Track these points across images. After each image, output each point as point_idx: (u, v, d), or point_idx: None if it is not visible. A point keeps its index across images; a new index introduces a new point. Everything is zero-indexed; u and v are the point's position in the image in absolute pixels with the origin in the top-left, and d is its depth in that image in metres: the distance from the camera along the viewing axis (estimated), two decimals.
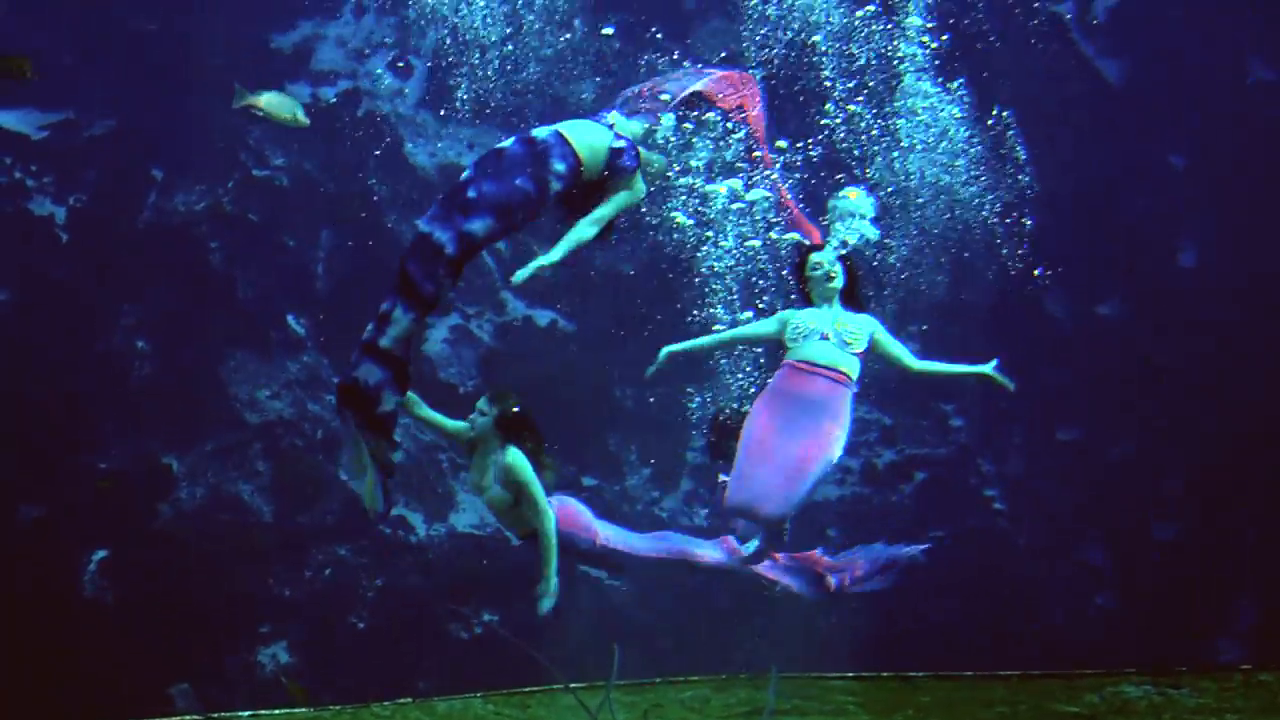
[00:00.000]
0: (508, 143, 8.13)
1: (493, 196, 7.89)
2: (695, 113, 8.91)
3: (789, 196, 9.07)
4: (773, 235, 9.14)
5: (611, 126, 8.39)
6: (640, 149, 8.40)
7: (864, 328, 8.30)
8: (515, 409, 8.20)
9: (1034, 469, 15.40)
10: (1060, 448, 15.37)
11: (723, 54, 12.65)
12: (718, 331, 8.90)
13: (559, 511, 8.28)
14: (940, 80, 9.96)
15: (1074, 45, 15.43)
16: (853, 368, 8.20)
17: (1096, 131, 15.16)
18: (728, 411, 9.20)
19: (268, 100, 11.45)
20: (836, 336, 8.17)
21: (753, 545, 8.85)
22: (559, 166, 8.07)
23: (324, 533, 14.53)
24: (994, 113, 10.97)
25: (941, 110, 9.87)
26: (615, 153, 8.27)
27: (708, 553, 8.91)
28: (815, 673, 7.96)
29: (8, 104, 14.50)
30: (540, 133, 8.19)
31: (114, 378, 14.41)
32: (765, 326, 8.51)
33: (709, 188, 8.88)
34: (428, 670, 14.28)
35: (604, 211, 8.36)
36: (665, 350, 8.58)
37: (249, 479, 14.52)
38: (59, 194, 14.60)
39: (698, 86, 8.79)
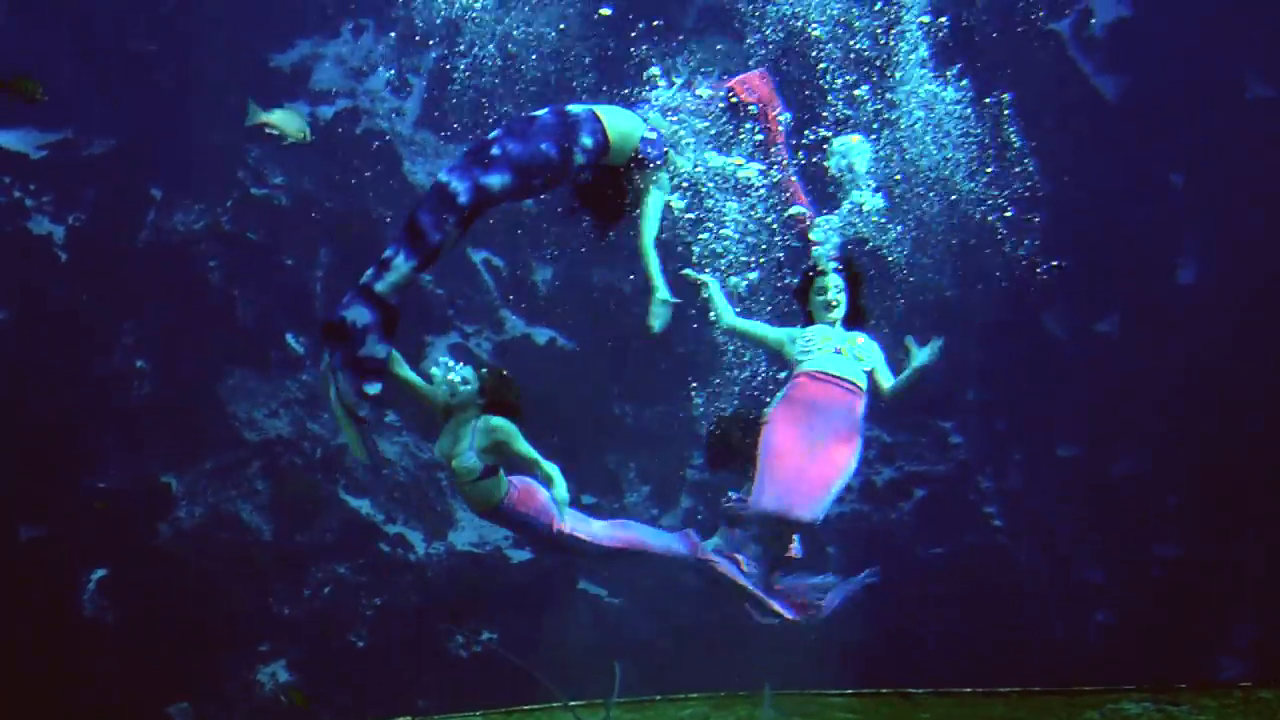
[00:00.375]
0: (541, 111, 8.23)
1: (516, 155, 7.98)
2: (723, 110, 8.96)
3: (793, 176, 9.07)
4: (773, 224, 9.11)
5: (646, 119, 8.48)
6: (669, 148, 8.50)
7: (872, 349, 8.34)
8: (499, 378, 8.20)
9: (1033, 486, 15.41)
10: (1060, 464, 15.37)
11: (719, 46, 12.66)
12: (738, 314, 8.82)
13: (519, 493, 8.29)
14: (936, 60, 9.91)
15: (1072, 61, 15.47)
16: (864, 382, 8.24)
17: (1094, 148, 15.18)
18: (727, 420, 9.14)
19: (279, 117, 11.49)
20: (850, 352, 8.21)
21: (713, 543, 8.86)
22: (586, 141, 8.19)
23: (323, 551, 14.53)
24: (994, 94, 10.91)
25: (940, 93, 9.83)
26: (646, 142, 8.37)
27: (669, 546, 8.89)
28: (814, 689, 7.95)
29: (7, 123, 14.52)
30: (575, 108, 8.32)
31: (113, 397, 14.41)
32: (773, 332, 8.52)
33: (705, 155, 8.86)
34: (427, 688, 14.26)
35: (652, 225, 8.47)
36: (714, 282, 8.56)
37: (248, 498, 14.52)
38: (58, 213, 14.61)
39: (730, 83, 8.90)
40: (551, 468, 7.98)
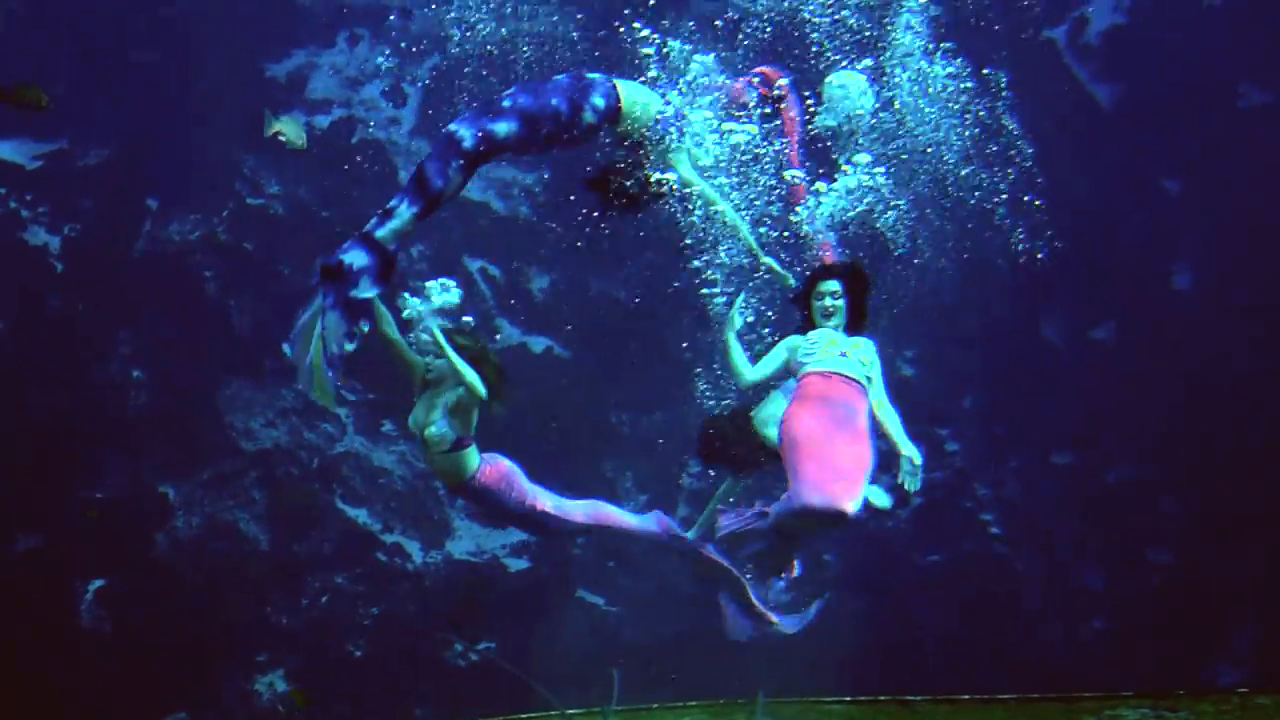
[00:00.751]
0: (559, 76, 8.35)
1: (525, 106, 8.14)
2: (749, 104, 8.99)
3: (797, 150, 9.05)
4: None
5: (665, 96, 8.58)
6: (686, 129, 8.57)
7: (872, 353, 8.29)
8: (476, 351, 8.21)
9: (1030, 493, 15.40)
10: (1056, 471, 15.37)
11: (717, 22, 12.62)
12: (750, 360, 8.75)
13: (491, 469, 8.28)
14: (932, 38, 9.83)
15: (1067, 68, 15.49)
16: (867, 384, 8.18)
17: (1090, 154, 15.20)
18: (720, 417, 9.09)
19: (286, 124, 11.51)
20: (854, 355, 8.16)
21: (692, 533, 8.91)
22: (598, 101, 8.32)
23: (320, 561, 14.52)
24: (989, 68, 10.81)
25: (932, 69, 9.74)
26: (664, 118, 8.46)
27: (641, 524, 8.92)
28: (813, 696, 7.95)
29: (2, 134, 14.51)
30: (593, 74, 8.41)
31: (110, 407, 14.40)
32: (779, 357, 8.43)
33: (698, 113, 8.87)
34: (425, 698, 14.27)
35: (719, 199, 8.53)
36: (734, 335, 8.50)
37: (245, 507, 14.50)
38: (54, 223, 14.60)
39: (748, 79, 8.96)
40: (459, 366, 8.00)
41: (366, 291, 7.87)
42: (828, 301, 8.33)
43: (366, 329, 7.96)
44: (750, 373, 8.38)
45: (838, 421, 7.95)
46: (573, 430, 14.67)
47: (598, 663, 13.49)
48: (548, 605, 14.74)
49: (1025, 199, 12.64)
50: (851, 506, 7.73)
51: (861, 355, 8.18)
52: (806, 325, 8.49)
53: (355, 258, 7.83)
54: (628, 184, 8.60)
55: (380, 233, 7.88)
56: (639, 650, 14.36)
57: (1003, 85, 11.00)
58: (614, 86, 8.38)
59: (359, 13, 15.71)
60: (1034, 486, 15.42)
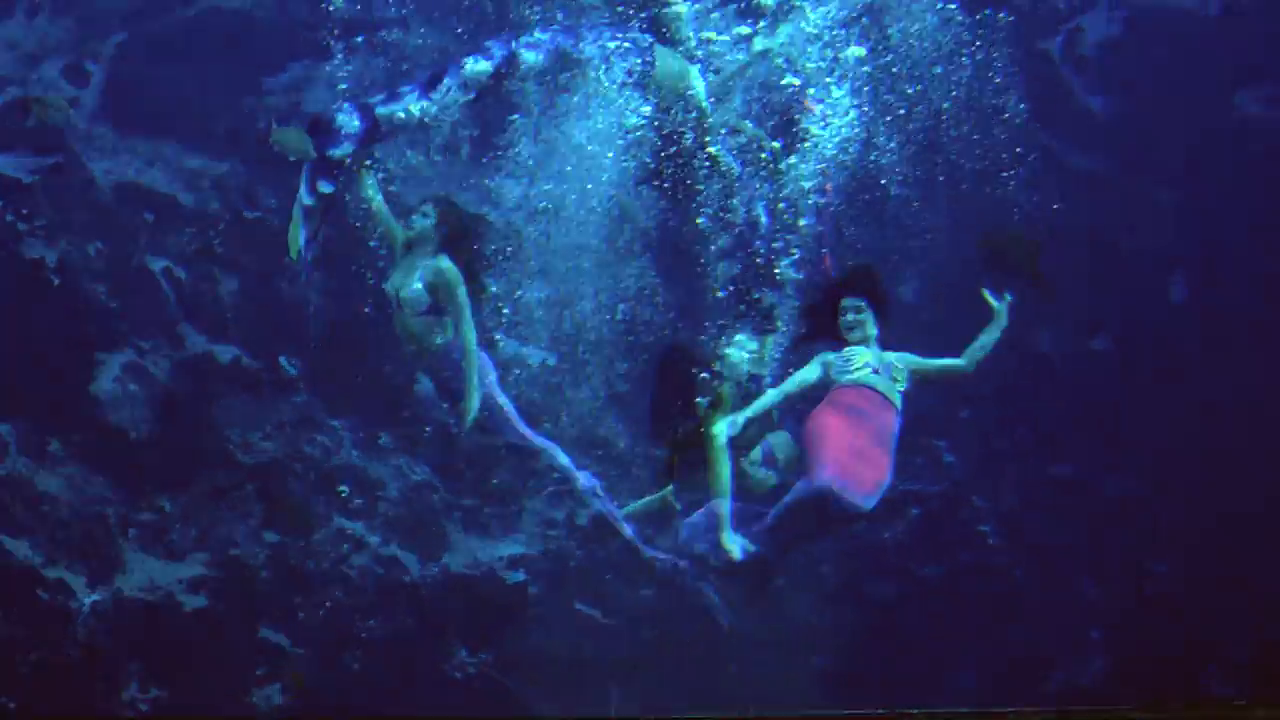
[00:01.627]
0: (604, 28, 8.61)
1: (560, 45, 8.61)
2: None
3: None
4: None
5: (704, 73, 8.71)
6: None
7: (904, 364, 8.26)
8: (459, 216, 8.25)
9: (1028, 504, 15.38)
10: (1053, 483, 15.35)
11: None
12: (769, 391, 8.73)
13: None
14: None
15: (1062, 79, 15.49)
16: (899, 403, 8.16)
17: (1085, 165, 15.20)
18: (687, 430, 9.12)
19: (291, 135, 11.53)
20: (885, 372, 8.13)
21: (635, 506, 8.95)
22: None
23: (317, 574, 14.48)
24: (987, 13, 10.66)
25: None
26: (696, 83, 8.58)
27: (573, 472, 8.98)
28: (810, 709, 7.95)
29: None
30: (635, 34, 8.61)
31: (106, 418, 14.37)
32: (809, 373, 8.38)
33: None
34: (423, 710, 14.22)
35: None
36: (741, 418, 8.43)
37: (241, 520, 14.46)
38: (50, 236, 14.58)
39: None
40: (471, 336, 8.02)
41: (340, 149, 8.04)
42: (850, 317, 8.29)
43: (330, 189, 8.07)
44: (776, 395, 8.30)
45: (866, 431, 7.95)
46: (568, 439, 14.64)
47: (594, 675, 13.49)
48: (544, 617, 14.71)
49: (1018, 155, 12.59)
50: (862, 501, 7.75)
51: (894, 372, 8.15)
52: (816, 334, 8.43)
53: (347, 121, 8.07)
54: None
55: (381, 109, 8.08)
56: (636, 663, 14.33)
57: (1004, 19, 10.85)
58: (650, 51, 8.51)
59: (355, 24, 15.69)
60: (1032, 498, 15.40)
